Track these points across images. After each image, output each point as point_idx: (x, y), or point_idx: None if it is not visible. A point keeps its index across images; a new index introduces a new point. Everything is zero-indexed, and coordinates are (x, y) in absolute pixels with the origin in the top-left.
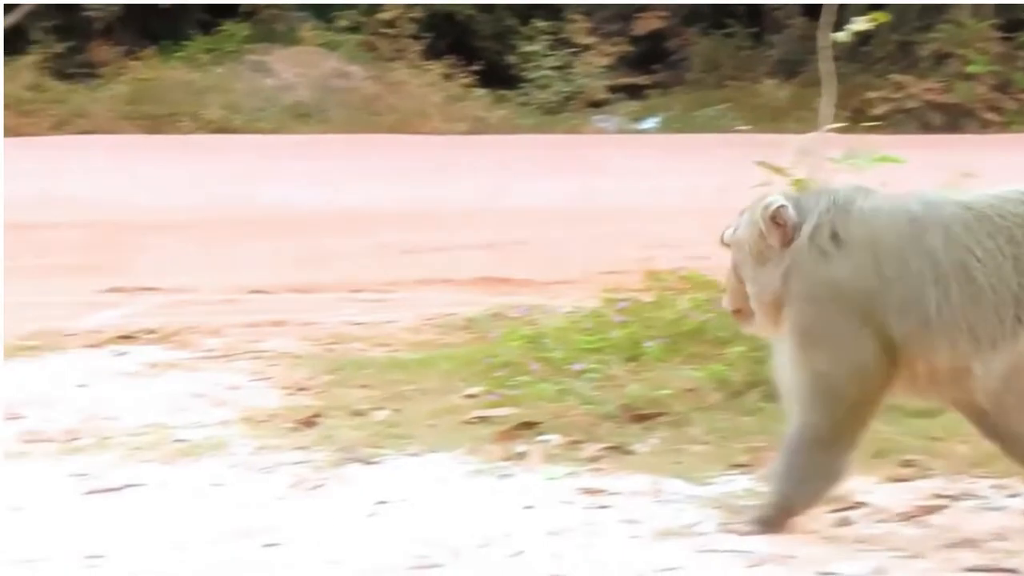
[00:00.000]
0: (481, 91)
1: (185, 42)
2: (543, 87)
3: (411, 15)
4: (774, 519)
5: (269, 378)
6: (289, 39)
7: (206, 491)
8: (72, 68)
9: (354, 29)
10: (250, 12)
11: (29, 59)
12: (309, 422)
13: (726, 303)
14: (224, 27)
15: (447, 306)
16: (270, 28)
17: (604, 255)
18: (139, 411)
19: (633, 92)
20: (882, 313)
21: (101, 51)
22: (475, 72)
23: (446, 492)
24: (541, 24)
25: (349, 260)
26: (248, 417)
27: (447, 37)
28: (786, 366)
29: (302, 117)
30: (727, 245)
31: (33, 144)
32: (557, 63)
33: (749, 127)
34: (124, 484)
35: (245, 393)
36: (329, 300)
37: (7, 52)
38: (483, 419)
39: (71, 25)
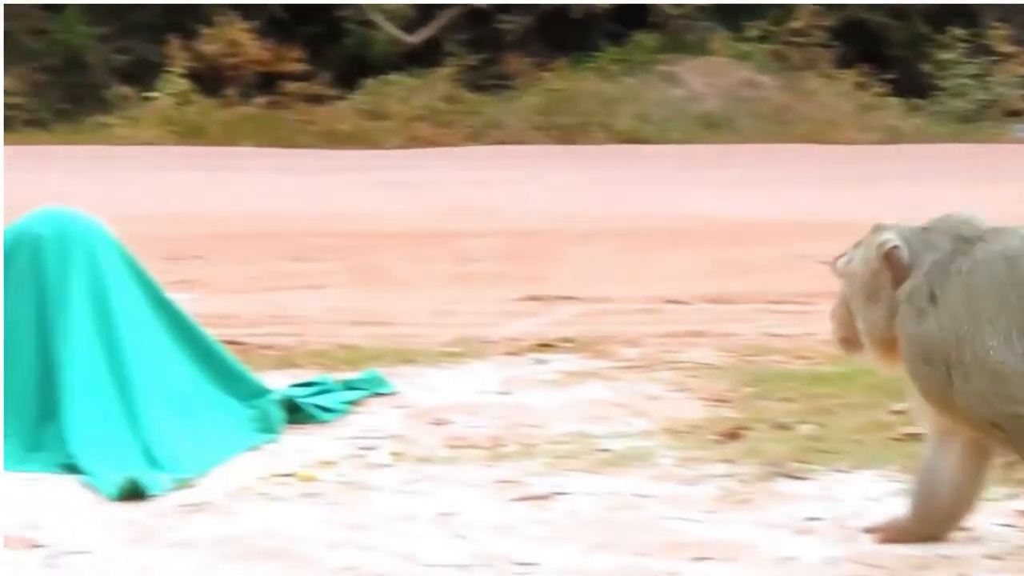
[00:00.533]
0: (894, 100)
1: (595, 53)
2: (958, 95)
3: (822, 23)
4: None
5: (688, 389)
6: (698, 49)
7: (632, 502)
8: (486, 80)
9: (764, 39)
10: (659, 23)
11: (444, 71)
12: (733, 434)
13: (832, 331)
14: (634, 38)
15: None
16: (679, 39)
17: None
18: (561, 419)
19: None
20: (984, 350)
21: (513, 63)
22: (888, 80)
23: (878, 510)
24: (958, 32)
25: (765, 271)
26: (670, 428)
27: (858, 45)
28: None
29: (712, 127)
30: (840, 275)
31: (450, 154)
32: (975, 71)
33: None
34: (550, 492)
35: (665, 404)
36: (746, 311)
37: (423, 65)
38: (912, 436)
39: (484, 37)
